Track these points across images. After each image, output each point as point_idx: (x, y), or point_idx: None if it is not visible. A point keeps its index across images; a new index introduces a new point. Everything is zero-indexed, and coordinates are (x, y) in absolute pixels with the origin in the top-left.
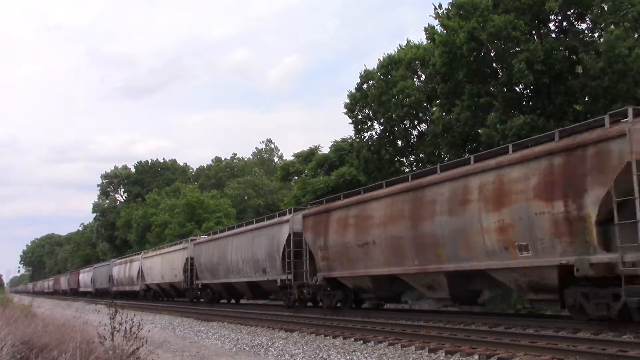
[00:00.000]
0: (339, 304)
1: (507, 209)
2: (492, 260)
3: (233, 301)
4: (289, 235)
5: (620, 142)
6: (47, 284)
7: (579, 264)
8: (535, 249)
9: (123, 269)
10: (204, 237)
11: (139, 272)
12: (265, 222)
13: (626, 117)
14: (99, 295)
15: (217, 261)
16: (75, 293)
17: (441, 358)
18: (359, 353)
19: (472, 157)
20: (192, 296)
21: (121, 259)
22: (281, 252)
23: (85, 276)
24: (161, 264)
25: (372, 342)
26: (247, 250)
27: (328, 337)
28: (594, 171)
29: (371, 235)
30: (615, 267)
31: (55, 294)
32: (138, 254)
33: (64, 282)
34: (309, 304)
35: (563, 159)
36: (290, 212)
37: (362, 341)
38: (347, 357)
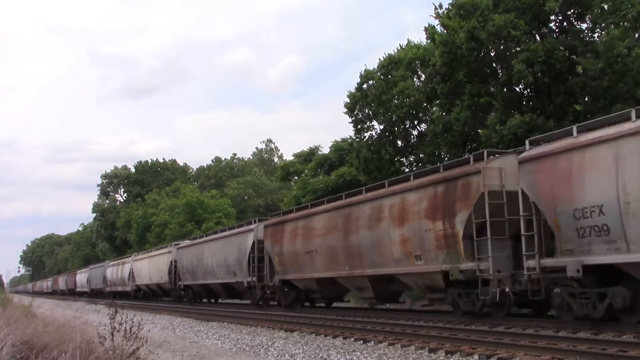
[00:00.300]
0: (293, 303)
1: (407, 226)
2: (399, 267)
3: (213, 300)
4: (254, 242)
5: (478, 177)
6: (46, 284)
7: (452, 271)
8: (426, 258)
9: (116, 271)
10: (186, 242)
11: (130, 273)
12: (235, 230)
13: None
14: (94, 295)
15: (196, 264)
16: (72, 293)
17: (441, 358)
18: (359, 353)
19: (386, 182)
20: (176, 296)
21: (114, 260)
22: (247, 257)
23: (81, 277)
24: (149, 266)
25: (372, 342)
26: (221, 255)
27: (328, 337)
28: (461, 198)
29: (314, 244)
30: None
31: (54, 293)
32: (129, 256)
33: (61, 282)
34: (274, 302)
35: (443, 188)
36: (255, 222)
37: (362, 341)
38: (347, 357)
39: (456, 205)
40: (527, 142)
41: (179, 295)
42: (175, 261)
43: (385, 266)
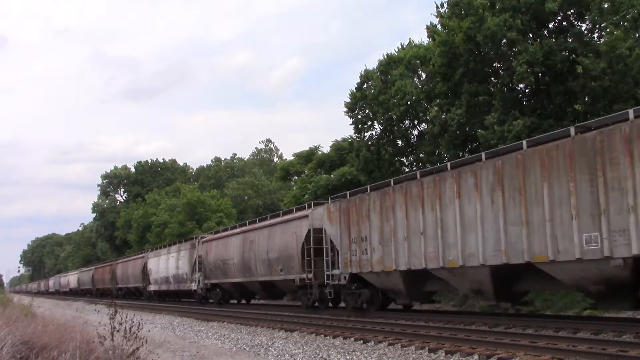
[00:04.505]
0: (221, 301)
1: (273, 250)
2: (272, 276)
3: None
4: (196, 255)
5: (307, 219)
6: (35, 285)
7: (296, 279)
8: (287, 270)
9: (65, 279)
10: (154, 251)
11: (68, 281)
12: (184, 245)
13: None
14: (56, 293)
15: (159, 270)
16: (47, 292)
17: (441, 358)
18: (359, 353)
19: (269, 215)
20: (147, 295)
21: (65, 273)
22: (192, 266)
23: (51, 282)
24: (128, 269)
25: (372, 342)
26: (175, 265)
27: (328, 337)
28: (301, 232)
29: (230, 257)
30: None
31: (39, 293)
32: (112, 261)
33: (42, 285)
34: (212, 300)
35: (290, 225)
36: (197, 239)
37: (362, 341)
38: (347, 357)
39: (299, 237)
40: (329, 198)
41: (150, 295)
42: (146, 266)
43: (265, 275)
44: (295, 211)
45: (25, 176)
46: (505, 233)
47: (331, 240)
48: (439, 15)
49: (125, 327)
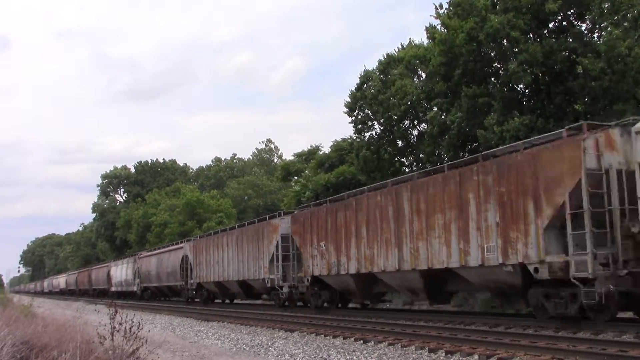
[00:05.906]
0: (150, 298)
1: (170, 266)
2: (170, 282)
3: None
4: (136, 266)
5: (182, 249)
6: (32, 286)
7: (179, 285)
8: (175, 279)
9: (55, 281)
10: (115, 262)
11: (59, 282)
12: (130, 258)
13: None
14: (49, 292)
15: (117, 276)
16: (42, 292)
17: (441, 358)
18: (359, 353)
19: (168, 244)
20: (111, 295)
21: (55, 276)
22: (134, 274)
23: (45, 283)
24: (99, 274)
25: (372, 342)
26: (125, 272)
27: (328, 337)
28: (180, 257)
29: (152, 269)
30: (184, 285)
31: (36, 293)
32: (89, 267)
33: (38, 285)
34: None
35: (177, 252)
36: (137, 255)
37: (362, 341)
38: (347, 357)
39: (179, 259)
40: (192, 238)
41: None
42: (109, 272)
43: (172, 281)
44: (180, 243)
45: (26, 176)
46: (239, 265)
47: (191, 263)
48: (438, 16)
49: (125, 327)
